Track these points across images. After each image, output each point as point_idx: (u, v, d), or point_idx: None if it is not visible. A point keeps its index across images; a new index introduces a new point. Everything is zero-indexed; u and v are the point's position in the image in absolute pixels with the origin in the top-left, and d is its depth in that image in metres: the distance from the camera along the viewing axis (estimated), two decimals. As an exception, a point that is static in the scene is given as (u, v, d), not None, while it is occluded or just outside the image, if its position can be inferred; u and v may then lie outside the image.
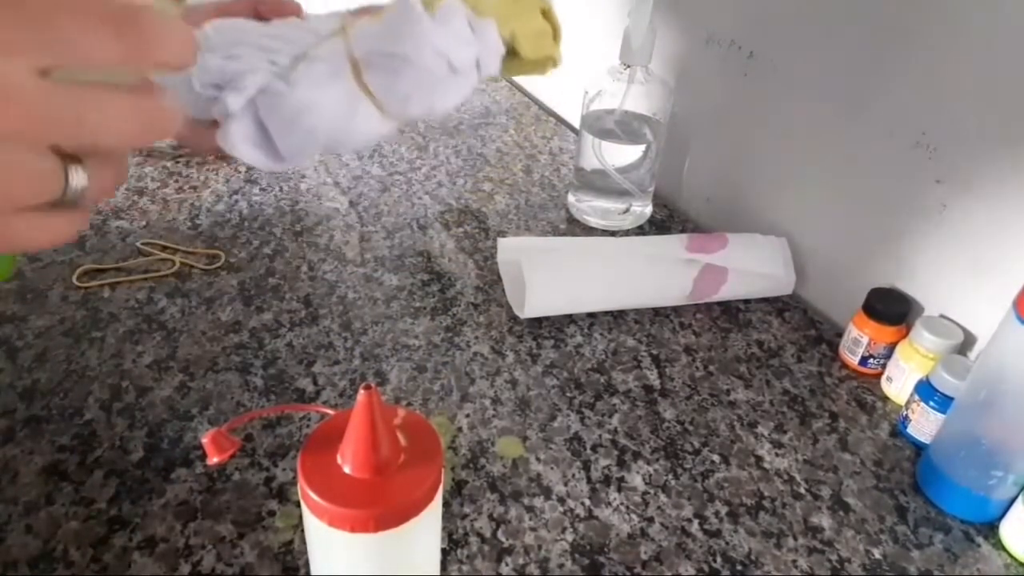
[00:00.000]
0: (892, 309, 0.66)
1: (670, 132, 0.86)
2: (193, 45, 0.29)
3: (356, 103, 0.42)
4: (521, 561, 0.51)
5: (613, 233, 0.85)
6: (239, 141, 0.41)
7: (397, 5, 0.42)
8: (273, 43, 0.42)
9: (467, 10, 0.43)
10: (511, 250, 0.75)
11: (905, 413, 0.62)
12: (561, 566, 0.51)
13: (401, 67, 0.41)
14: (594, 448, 0.59)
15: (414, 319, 0.71)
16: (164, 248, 0.77)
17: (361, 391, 0.37)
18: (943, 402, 0.58)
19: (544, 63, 0.48)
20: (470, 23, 0.43)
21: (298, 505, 0.51)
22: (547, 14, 0.47)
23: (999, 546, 0.55)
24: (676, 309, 0.74)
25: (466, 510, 0.54)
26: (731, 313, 0.75)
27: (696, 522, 0.54)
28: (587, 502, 0.55)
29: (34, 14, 0.26)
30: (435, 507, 0.41)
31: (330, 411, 0.42)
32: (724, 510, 0.55)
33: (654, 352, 0.69)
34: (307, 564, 0.49)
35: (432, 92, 0.43)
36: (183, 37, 0.29)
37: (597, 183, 0.84)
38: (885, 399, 0.66)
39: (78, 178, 0.28)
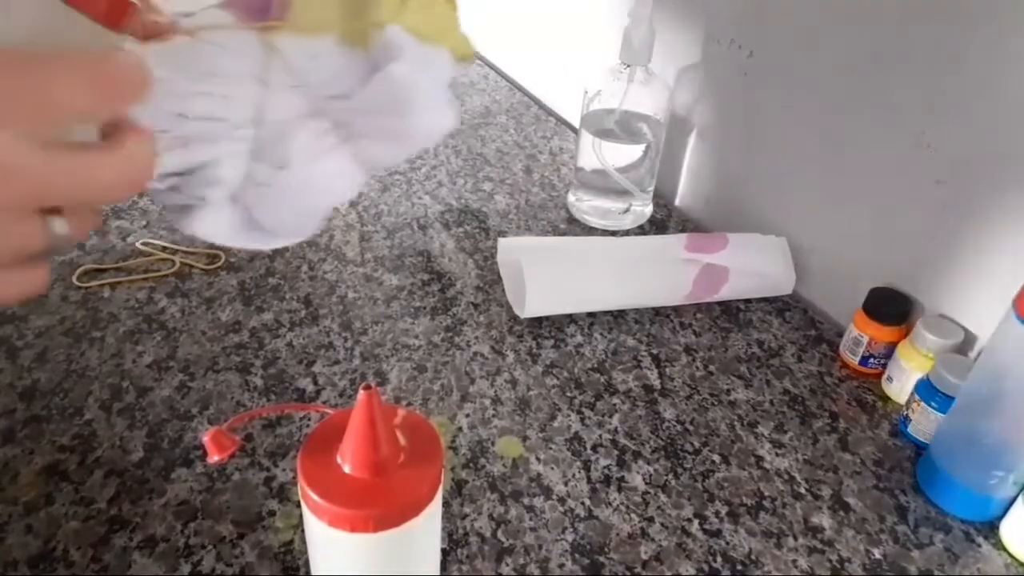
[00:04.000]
0: (892, 309, 0.66)
1: (670, 132, 0.86)
2: (150, 81, 0.29)
3: (349, 167, 0.38)
4: (521, 561, 0.51)
5: (613, 233, 0.85)
6: (222, 231, 0.36)
7: (380, 81, 0.36)
8: (217, 106, 0.34)
9: (413, 42, 0.36)
10: (511, 250, 0.75)
11: (905, 413, 0.62)
12: (561, 566, 0.51)
13: (398, 137, 0.37)
14: (594, 448, 0.59)
15: (414, 319, 0.71)
16: (164, 248, 0.77)
17: (361, 391, 0.37)
18: (943, 402, 0.58)
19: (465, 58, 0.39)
20: (424, 54, 0.37)
21: (298, 505, 0.51)
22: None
23: (999, 546, 0.55)
24: (676, 309, 0.74)
25: (466, 510, 0.54)
26: (731, 313, 0.75)
27: (696, 522, 0.54)
28: (587, 502, 0.55)
29: (14, 83, 0.26)
30: (435, 507, 0.41)
31: (330, 411, 0.42)
32: (724, 510, 0.55)
33: (654, 352, 0.69)
34: (307, 564, 0.49)
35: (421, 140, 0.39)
36: (142, 75, 0.29)
37: (597, 183, 0.84)
38: (885, 399, 0.66)
39: (59, 227, 0.28)
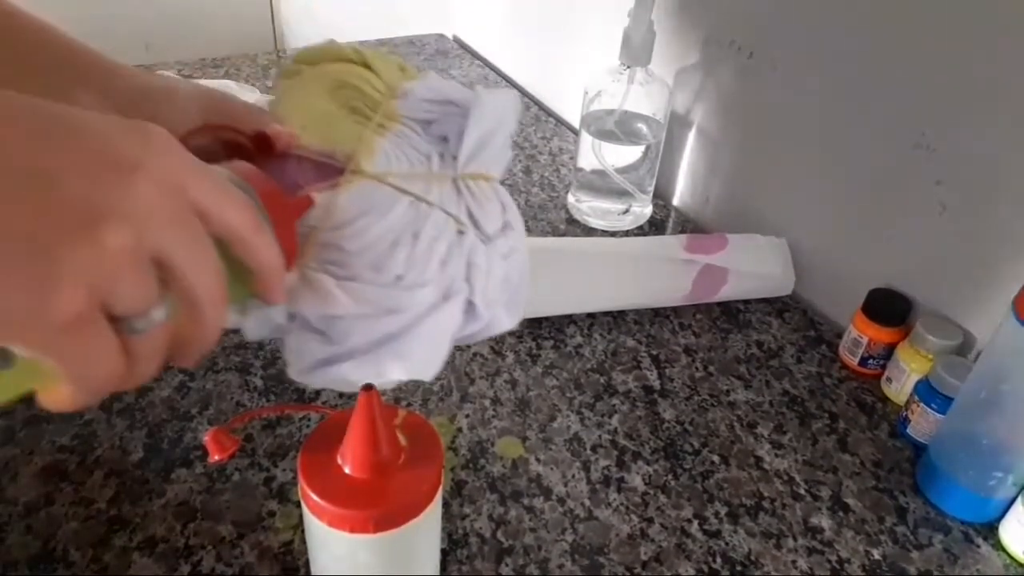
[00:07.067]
0: (892, 309, 0.66)
1: (670, 132, 0.86)
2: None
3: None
4: (521, 561, 0.51)
5: (613, 234, 0.85)
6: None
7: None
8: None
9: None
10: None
11: (905, 414, 0.62)
12: (561, 567, 0.51)
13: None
14: (594, 448, 0.59)
15: (414, 319, 0.71)
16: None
17: (361, 392, 0.37)
18: (943, 403, 0.58)
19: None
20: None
21: (298, 505, 0.51)
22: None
23: (998, 547, 0.55)
24: (676, 310, 0.74)
25: (466, 510, 0.54)
26: (731, 314, 0.75)
27: (696, 523, 0.54)
28: (587, 502, 0.55)
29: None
30: (435, 507, 0.41)
31: (330, 411, 0.42)
32: (724, 511, 0.55)
33: (654, 353, 0.69)
34: (307, 564, 0.49)
35: None
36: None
37: (597, 183, 0.84)
38: (885, 400, 0.66)
39: (158, 313, 0.27)
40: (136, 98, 0.38)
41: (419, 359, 0.35)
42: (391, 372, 0.35)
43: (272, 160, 0.37)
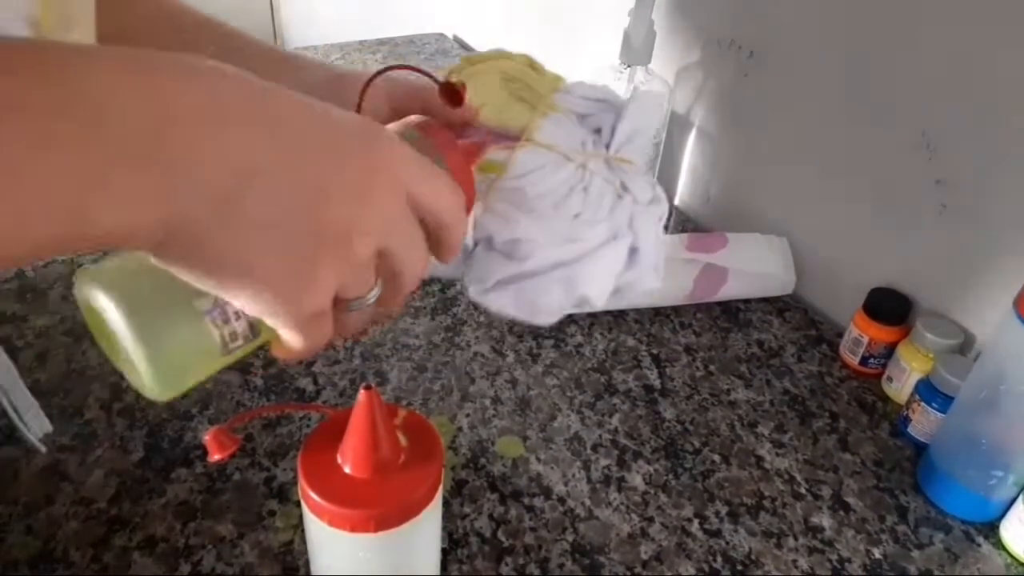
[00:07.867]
0: (892, 309, 0.66)
1: (670, 132, 0.86)
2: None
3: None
4: (521, 561, 0.51)
5: (613, 233, 0.85)
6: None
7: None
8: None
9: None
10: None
11: (906, 413, 0.62)
12: (561, 566, 0.51)
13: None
14: (594, 448, 0.59)
15: (414, 318, 0.71)
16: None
17: (361, 391, 0.37)
18: (944, 402, 0.58)
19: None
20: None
21: (298, 505, 0.51)
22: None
23: (999, 546, 0.55)
24: (676, 309, 0.74)
25: (466, 510, 0.54)
26: (731, 313, 0.74)
27: (696, 522, 0.54)
28: (587, 502, 0.55)
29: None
30: (435, 507, 0.41)
31: (330, 411, 0.42)
32: (724, 510, 0.55)
33: (654, 352, 0.69)
34: (307, 564, 0.49)
35: None
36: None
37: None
38: (886, 399, 0.66)
39: (375, 291, 0.33)
40: (336, 87, 0.43)
41: (593, 286, 0.40)
42: (568, 294, 0.39)
43: (456, 129, 0.42)
